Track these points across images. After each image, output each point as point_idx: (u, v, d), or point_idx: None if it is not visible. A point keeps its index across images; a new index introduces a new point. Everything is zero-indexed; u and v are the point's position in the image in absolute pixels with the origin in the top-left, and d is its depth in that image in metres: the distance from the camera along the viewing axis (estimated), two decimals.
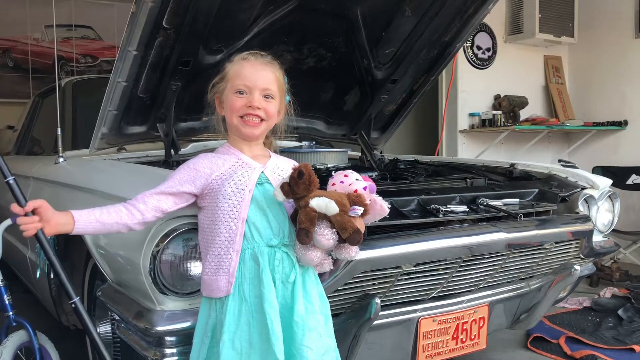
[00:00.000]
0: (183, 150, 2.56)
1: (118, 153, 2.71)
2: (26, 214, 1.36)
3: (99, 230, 1.41)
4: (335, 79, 2.80)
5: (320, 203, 1.40)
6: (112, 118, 2.25)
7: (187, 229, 1.54)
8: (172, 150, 2.43)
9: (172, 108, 2.38)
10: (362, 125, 3.04)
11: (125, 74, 2.10)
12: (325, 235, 1.41)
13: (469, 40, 4.76)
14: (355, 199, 1.44)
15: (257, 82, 1.48)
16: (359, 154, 3.13)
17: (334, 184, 1.49)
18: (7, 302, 2.23)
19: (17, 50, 6.30)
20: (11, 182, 1.46)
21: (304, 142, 2.77)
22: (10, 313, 2.23)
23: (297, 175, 1.39)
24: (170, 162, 2.38)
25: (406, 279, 1.83)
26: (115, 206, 1.42)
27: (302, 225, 1.41)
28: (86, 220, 1.38)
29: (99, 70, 6.05)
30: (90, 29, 6.29)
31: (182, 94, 2.36)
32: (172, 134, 2.43)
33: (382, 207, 1.50)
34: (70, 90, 3.10)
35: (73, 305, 1.52)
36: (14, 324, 2.24)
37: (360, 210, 1.43)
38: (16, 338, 2.21)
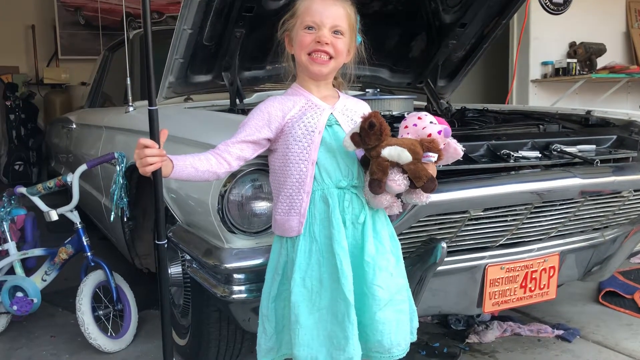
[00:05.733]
0: (247, 100, 2.56)
1: (185, 103, 2.76)
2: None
3: (192, 175, 1.41)
4: (400, 24, 2.71)
5: (392, 152, 1.35)
6: (178, 66, 2.28)
7: (253, 169, 1.56)
8: (237, 99, 2.45)
9: (237, 56, 2.38)
10: (428, 73, 2.94)
11: (191, 21, 2.10)
12: (397, 181, 1.37)
13: None
14: (428, 145, 1.37)
15: (326, 17, 1.44)
16: (425, 103, 3.05)
17: (406, 127, 1.43)
18: (85, 243, 2.37)
19: (87, 8, 6.50)
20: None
21: (367, 90, 2.71)
22: (89, 253, 2.37)
23: (368, 126, 1.34)
24: (236, 111, 2.40)
25: (474, 224, 1.79)
26: (204, 154, 1.43)
27: (374, 176, 1.37)
28: (182, 165, 1.40)
29: None
30: None
31: (245, 42, 2.35)
32: (237, 83, 2.44)
33: (456, 150, 1.45)
34: (139, 42, 3.16)
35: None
36: (92, 264, 2.38)
37: (434, 157, 1.37)
38: (95, 277, 2.35)
